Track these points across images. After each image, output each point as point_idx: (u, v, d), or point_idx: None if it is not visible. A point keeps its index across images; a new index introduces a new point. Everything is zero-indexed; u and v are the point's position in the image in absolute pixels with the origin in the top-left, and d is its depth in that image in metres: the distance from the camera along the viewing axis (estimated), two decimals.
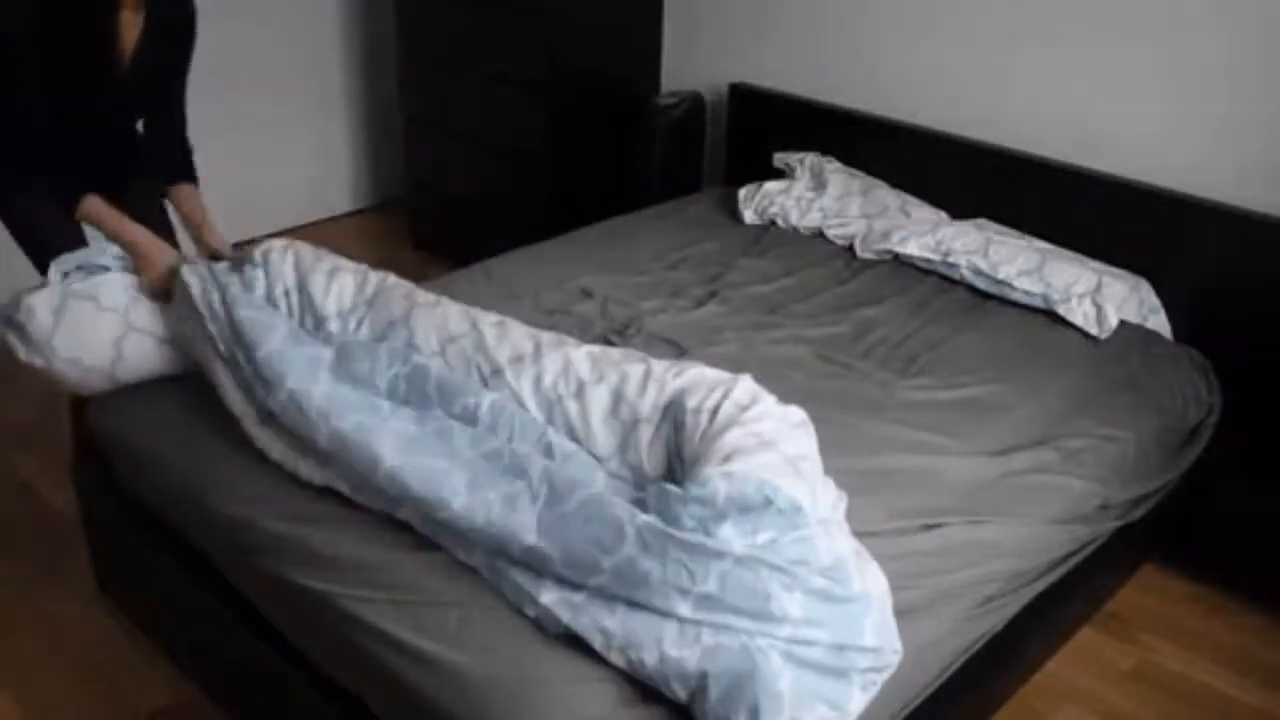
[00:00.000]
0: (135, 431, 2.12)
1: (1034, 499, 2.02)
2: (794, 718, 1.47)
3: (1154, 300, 2.65)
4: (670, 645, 1.52)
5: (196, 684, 2.20)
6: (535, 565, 1.62)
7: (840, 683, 1.54)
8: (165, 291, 2.24)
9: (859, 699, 1.56)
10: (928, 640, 1.72)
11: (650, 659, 1.51)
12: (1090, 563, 2.17)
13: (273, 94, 4.15)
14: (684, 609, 1.53)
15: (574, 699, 1.51)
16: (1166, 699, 2.27)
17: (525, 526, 1.63)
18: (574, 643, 1.58)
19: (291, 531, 1.82)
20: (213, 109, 4.03)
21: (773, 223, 3.08)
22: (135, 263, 2.30)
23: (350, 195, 4.54)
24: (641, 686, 1.53)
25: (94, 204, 2.34)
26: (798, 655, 1.52)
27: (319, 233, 4.34)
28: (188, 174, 2.59)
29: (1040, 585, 2.02)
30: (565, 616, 1.57)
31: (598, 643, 1.54)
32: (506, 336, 2.06)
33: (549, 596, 1.59)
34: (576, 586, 1.59)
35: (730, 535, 1.57)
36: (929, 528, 1.87)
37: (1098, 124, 2.80)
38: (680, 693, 1.50)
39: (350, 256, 2.64)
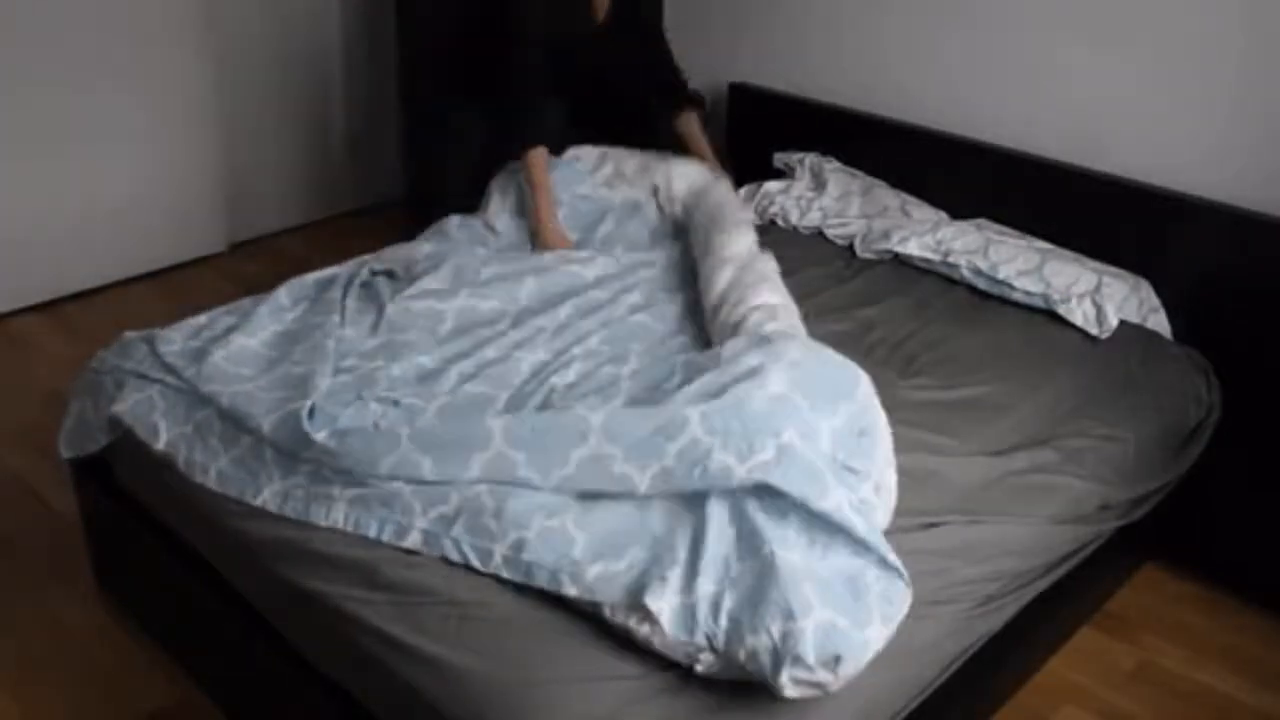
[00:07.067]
0: (136, 432, 2.11)
1: (1034, 499, 2.03)
2: (825, 619, 1.50)
3: (1154, 300, 2.65)
4: (712, 580, 1.57)
5: (196, 684, 2.20)
6: (596, 464, 1.74)
7: (858, 597, 1.57)
8: None
9: (878, 629, 1.56)
10: (928, 640, 1.73)
11: (694, 599, 1.55)
12: (1090, 563, 2.17)
13: (270, 91, 4.15)
14: (740, 471, 1.64)
15: (575, 699, 1.51)
16: (1166, 699, 2.27)
17: (589, 423, 1.78)
18: (575, 643, 1.59)
19: (291, 532, 1.82)
20: (215, 108, 4.05)
21: (772, 222, 3.08)
22: (531, 226, 2.75)
23: (351, 195, 4.53)
24: (643, 686, 1.54)
25: (542, 157, 2.77)
26: (822, 550, 1.59)
27: (319, 233, 4.34)
28: (683, 102, 3.03)
29: (1040, 585, 2.02)
30: (617, 578, 1.60)
31: (650, 593, 1.56)
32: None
33: (595, 570, 1.62)
34: (612, 560, 1.63)
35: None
36: (929, 527, 1.87)
37: (1098, 124, 2.80)
38: (717, 631, 1.52)
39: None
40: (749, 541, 1.61)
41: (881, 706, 1.65)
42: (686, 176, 2.96)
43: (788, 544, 1.59)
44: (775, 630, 1.48)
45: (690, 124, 3.06)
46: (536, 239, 2.75)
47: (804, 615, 1.49)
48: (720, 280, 2.40)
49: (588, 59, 2.92)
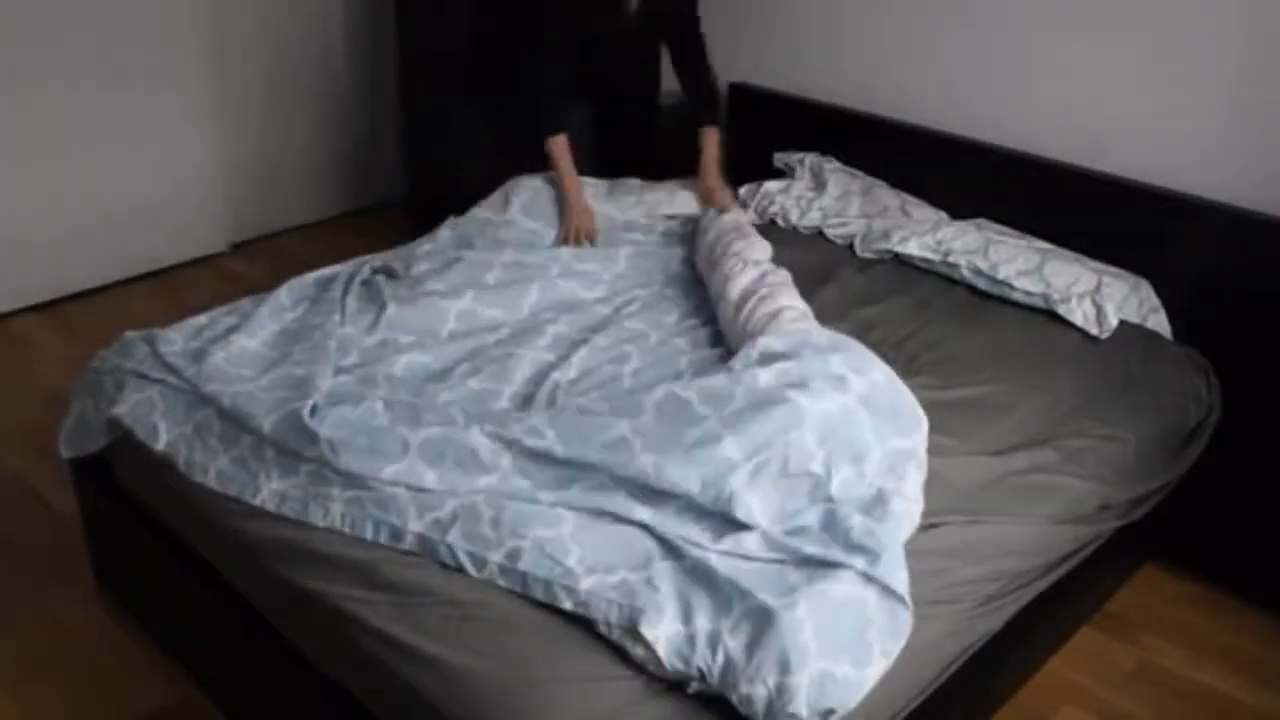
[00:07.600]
0: (135, 433, 2.11)
1: (1034, 499, 2.03)
2: (822, 669, 1.49)
3: (1154, 300, 2.65)
4: (709, 617, 1.55)
5: (196, 684, 2.20)
6: (597, 492, 1.76)
7: (860, 632, 1.56)
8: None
9: (877, 667, 1.57)
10: (928, 640, 1.72)
11: (693, 630, 1.54)
12: (1090, 563, 2.17)
13: (270, 91, 4.15)
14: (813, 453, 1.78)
15: (575, 699, 1.51)
16: (1166, 699, 2.27)
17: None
18: (575, 643, 1.59)
19: (291, 532, 1.82)
20: (215, 108, 4.05)
21: (773, 222, 3.08)
22: (563, 210, 2.80)
23: (351, 195, 4.53)
24: (642, 686, 1.54)
25: (563, 144, 2.82)
26: (826, 583, 1.59)
27: (320, 233, 4.34)
28: (708, 118, 3.02)
29: (1040, 585, 2.02)
30: (612, 595, 1.59)
31: (646, 621, 1.54)
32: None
33: (589, 583, 1.61)
34: (606, 574, 1.62)
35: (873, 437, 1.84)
36: (929, 527, 1.87)
37: (1098, 124, 2.80)
38: (713, 666, 1.51)
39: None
40: (753, 579, 1.60)
41: (881, 706, 1.65)
42: (687, 205, 2.98)
43: (789, 580, 1.61)
44: (771, 682, 1.48)
45: (708, 143, 3.03)
46: (566, 215, 2.82)
47: (800, 669, 1.48)
48: (744, 278, 2.42)
49: (614, 53, 2.91)
